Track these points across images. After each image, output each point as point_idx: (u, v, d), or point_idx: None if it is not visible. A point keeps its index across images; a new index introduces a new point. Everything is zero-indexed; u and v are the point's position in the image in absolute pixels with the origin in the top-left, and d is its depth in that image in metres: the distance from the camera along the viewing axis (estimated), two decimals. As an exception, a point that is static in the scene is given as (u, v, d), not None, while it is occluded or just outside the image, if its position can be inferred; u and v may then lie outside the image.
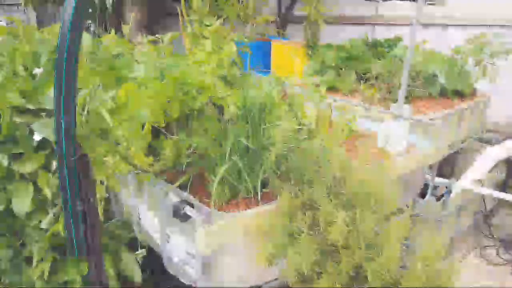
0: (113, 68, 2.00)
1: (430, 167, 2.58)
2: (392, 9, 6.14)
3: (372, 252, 1.38)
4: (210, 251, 1.53)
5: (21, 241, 2.37)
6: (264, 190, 1.71)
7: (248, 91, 1.73)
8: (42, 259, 2.30)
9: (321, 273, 1.44)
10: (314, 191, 1.53)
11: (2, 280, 2.39)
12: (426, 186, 2.95)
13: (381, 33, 5.63)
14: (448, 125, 3.14)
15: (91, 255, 1.46)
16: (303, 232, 1.45)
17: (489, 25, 4.80)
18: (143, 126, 1.74)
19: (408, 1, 6.58)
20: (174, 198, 1.63)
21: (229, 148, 1.61)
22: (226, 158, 1.61)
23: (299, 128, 1.77)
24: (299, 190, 1.56)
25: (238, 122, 1.69)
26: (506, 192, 3.26)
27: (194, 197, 1.64)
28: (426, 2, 6.38)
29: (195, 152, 1.74)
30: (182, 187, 1.71)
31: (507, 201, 3.42)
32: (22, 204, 2.12)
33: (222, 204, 1.69)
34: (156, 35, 2.20)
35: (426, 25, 5.50)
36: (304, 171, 1.59)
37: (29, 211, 2.14)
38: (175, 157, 1.71)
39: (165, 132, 1.77)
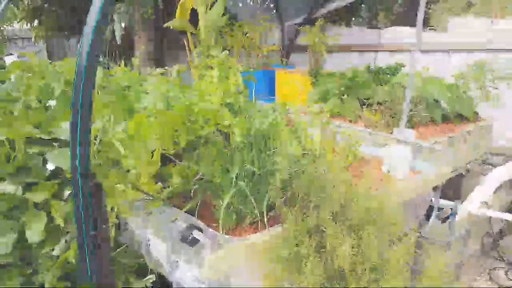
0: (124, 100, 2.09)
1: (434, 189, 2.61)
2: (393, 36, 6.30)
3: (378, 275, 1.41)
4: (218, 275, 1.56)
5: (32, 270, 2.41)
6: (270, 214, 1.76)
7: (253, 118, 1.80)
8: (52, 288, 2.33)
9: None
10: (320, 215, 1.57)
11: (12, 310, 2.41)
12: (431, 208, 2.96)
13: (385, 60, 5.76)
14: (451, 149, 3.19)
15: (104, 281, 1.50)
16: (309, 256, 1.48)
17: (489, 50, 4.91)
18: (152, 154, 1.81)
19: (409, 28, 6.75)
20: (182, 224, 1.67)
21: (235, 174, 1.67)
22: (233, 183, 1.66)
23: (304, 153, 1.82)
24: (304, 214, 1.60)
25: (244, 149, 1.75)
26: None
27: (201, 222, 1.68)
28: (428, 28, 6.52)
29: (202, 179, 1.79)
30: (190, 213, 1.75)
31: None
32: (35, 232, 2.17)
33: (229, 229, 1.73)
34: (165, 67, 2.30)
35: (428, 51, 5.63)
36: (309, 196, 1.63)
37: (41, 239, 2.19)
38: (182, 184, 1.77)
39: (174, 160, 1.84)
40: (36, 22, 8.17)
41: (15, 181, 2.21)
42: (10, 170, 2.19)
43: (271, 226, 1.70)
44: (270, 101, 3.17)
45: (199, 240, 1.62)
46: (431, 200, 2.57)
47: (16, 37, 10.54)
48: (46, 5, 7.68)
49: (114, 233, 2.17)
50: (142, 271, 2.45)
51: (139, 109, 1.99)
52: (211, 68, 2.57)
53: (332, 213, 1.55)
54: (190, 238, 1.61)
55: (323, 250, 1.53)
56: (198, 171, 1.79)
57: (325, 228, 1.53)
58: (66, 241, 2.19)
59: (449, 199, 3.23)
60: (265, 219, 1.65)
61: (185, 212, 1.76)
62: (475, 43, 5.10)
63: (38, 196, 2.22)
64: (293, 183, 1.66)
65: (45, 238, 2.24)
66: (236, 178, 1.72)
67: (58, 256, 2.24)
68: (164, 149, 1.75)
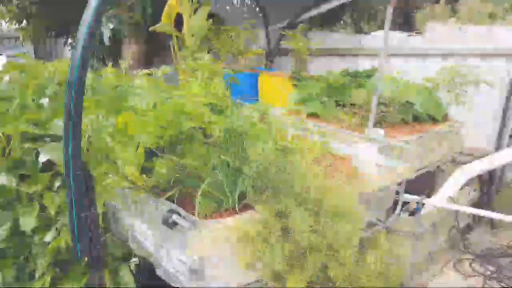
0: (113, 99, 2.28)
1: (399, 184, 2.84)
2: (374, 41, 6.55)
3: (333, 251, 1.62)
4: (196, 255, 1.76)
5: (25, 257, 2.58)
6: (244, 202, 1.96)
7: (231, 117, 2.00)
8: (43, 274, 2.50)
9: (291, 271, 1.67)
10: (286, 201, 1.78)
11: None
12: (397, 202, 3.20)
13: (365, 64, 6.02)
14: (419, 147, 3.43)
15: (93, 258, 1.68)
16: (274, 235, 1.69)
17: (464, 55, 5.20)
18: (137, 148, 2.00)
19: (395, 32, 7.02)
20: (163, 209, 1.87)
21: (212, 166, 1.87)
22: (210, 174, 1.86)
23: (276, 148, 2.03)
24: (273, 199, 1.81)
25: (222, 144, 1.96)
26: (481, 209, 3.52)
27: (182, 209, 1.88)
28: (415, 32, 6.77)
29: (184, 170, 1.99)
30: (171, 200, 1.95)
31: (484, 218, 3.67)
32: (28, 221, 2.34)
33: (206, 215, 1.93)
34: (150, 69, 2.49)
35: (408, 55, 5.91)
36: (277, 185, 1.84)
37: (34, 227, 2.36)
38: (165, 175, 1.96)
39: (159, 154, 2.03)
40: (24, 23, 8.27)
41: (10, 174, 2.38)
42: (6, 164, 2.35)
43: (244, 212, 1.90)
44: (253, 102, 3.38)
45: (178, 223, 1.82)
46: (397, 194, 2.79)
47: (3, 37, 10.61)
48: (34, 6, 7.79)
49: (101, 221, 2.36)
50: (129, 256, 2.64)
51: (127, 108, 2.18)
52: (196, 70, 2.78)
53: (297, 199, 1.76)
54: (170, 221, 1.81)
55: (287, 231, 1.74)
56: (180, 163, 1.99)
57: (289, 212, 1.74)
58: (56, 229, 2.36)
59: (421, 195, 3.47)
60: (236, 206, 1.85)
61: (167, 199, 1.96)
62: (448, 49, 5.37)
63: (31, 188, 2.39)
64: (263, 174, 1.86)
65: (38, 227, 2.41)
66: (214, 169, 1.92)
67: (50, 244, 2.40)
68: (151, 144, 1.94)
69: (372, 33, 6.92)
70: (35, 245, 2.47)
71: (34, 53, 10.31)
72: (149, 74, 2.50)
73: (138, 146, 1.98)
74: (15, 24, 8.42)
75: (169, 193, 1.94)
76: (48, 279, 2.48)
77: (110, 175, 1.77)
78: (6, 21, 8.42)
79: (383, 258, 1.72)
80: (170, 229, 1.81)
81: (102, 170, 1.73)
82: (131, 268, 2.36)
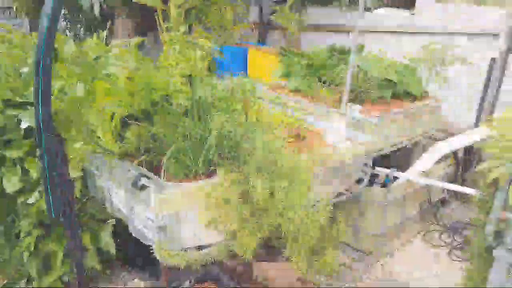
0: (89, 69, 2.39)
1: (368, 158, 2.96)
2: (365, 18, 6.57)
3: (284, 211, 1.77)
4: (162, 214, 1.90)
5: (10, 218, 2.73)
6: (212, 168, 2.09)
7: (198, 88, 2.12)
8: (29, 233, 2.66)
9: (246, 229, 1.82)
10: (247, 167, 1.92)
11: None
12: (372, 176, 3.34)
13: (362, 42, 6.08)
14: (394, 123, 3.55)
15: (66, 216, 1.83)
16: (234, 197, 1.84)
17: (446, 34, 5.25)
18: (113, 117, 2.12)
19: (383, 10, 7.03)
20: (134, 173, 2.01)
21: (179, 134, 2.00)
22: (177, 142, 1.99)
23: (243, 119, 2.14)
24: (234, 165, 1.94)
25: (189, 114, 2.08)
26: (455, 184, 3.67)
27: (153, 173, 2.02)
28: (411, 12, 6.78)
29: (154, 138, 2.12)
30: (142, 165, 2.09)
31: (458, 193, 3.83)
32: (11, 183, 2.48)
33: (176, 180, 2.07)
34: (125, 40, 2.58)
35: (402, 33, 5.97)
36: (240, 152, 1.98)
37: (17, 190, 2.51)
38: (137, 142, 2.09)
39: (130, 122, 2.15)
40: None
41: (-6, 139, 2.50)
42: (-11, 129, 2.47)
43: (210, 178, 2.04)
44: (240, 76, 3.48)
45: (147, 186, 1.96)
46: (364, 166, 2.93)
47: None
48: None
49: (80, 184, 2.51)
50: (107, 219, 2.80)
51: (102, 77, 2.29)
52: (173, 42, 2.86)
53: (256, 165, 1.89)
54: (139, 184, 1.95)
55: (246, 195, 1.88)
56: (151, 132, 2.12)
57: (249, 177, 1.87)
58: (39, 192, 2.50)
59: (402, 170, 3.62)
60: (201, 172, 1.98)
61: (138, 164, 2.09)
62: (435, 27, 5.43)
63: (14, 153, 2.52)
64: (226, 142, 1.99)
65: (22, 189, 2.55)
66: (181, 137, 2.05)
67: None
68: (121, 113, 2.06)
69: (374, 10, 6.89)
70: (19, 207, 2.63)
71: (30, 26, 10.29)
72: (124, 45, 2.59)
73: (113, 114, 2.10)
74: (9, -4, 8.40)
75: (139, 159, 2.07)
76: (33, 239, 2.65)
77: (81, 140, 1.90)
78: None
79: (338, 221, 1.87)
80: (139, 191, 1.95)
81: (73, 135, 1.86)
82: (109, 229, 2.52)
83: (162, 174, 1.92)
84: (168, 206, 1.91)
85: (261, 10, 7.53)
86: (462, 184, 4.06)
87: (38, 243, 2.68)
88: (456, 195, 4.37)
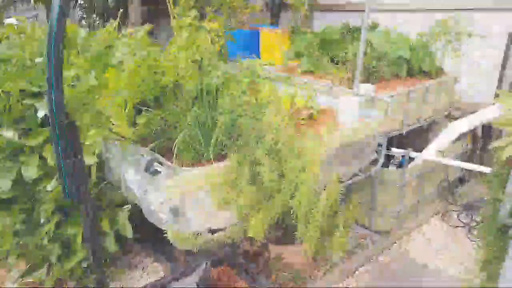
0: (101, 57, 2.42)
1: (382, 136, 2.93)
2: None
3: (295, 193, 1.78)
4: (174, 199, 1.94)
5: (31, 205, 2.82)
6: (223, 153, 2.12)
7: (207, 72, 2.12)
8: (48, 220, 2.75)
9: (259, 210, 1.84)
10: (256, 150, 1.93)
11: (17, 240, 2.84)
12: (388, 157, 3.31)
13: (378, 20, 5.94)
14: (408, 102, 3.49)
15: (82, 203, 1.88)
16: (245, 180, 1.85)
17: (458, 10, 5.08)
18: (126, 103, 2.16)
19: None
20: (147, 158, 2.04)
21: (189, 119, 2.01)
22: (187, 126, 2.01)
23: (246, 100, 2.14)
24: (245, 149, 1.96)
25: (198, 98, 2.09)
26: (472, 163, 3.60)
27: (165, 158, 2.05)
28: None
29: (165, 124, 2.14)
30: (154, 150, 2.12)
31: (474, 171, 3.77)
32: (30, 171, 2.56)
33: (188, 164, 2.10)
34: (136, 28, 2.60)
35: (411, 11, 5.80)
36: (249, 135, 1.99)
37: (36, 177, 2.58)
38: (149, 128, 2.12)
39: (142, 108, 2.18)
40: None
41: (11, 128, 2.57)
42: (7, 119, 2.54)
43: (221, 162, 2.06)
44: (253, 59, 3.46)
45: (159, 172, 1.99)
46: (379, 146, 2.90)
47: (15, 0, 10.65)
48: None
49: (97, 170, 2.56)
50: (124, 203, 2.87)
51: (114, 65, 2.32)
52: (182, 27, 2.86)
53: (266, 148, 1.90)
54: (152, 169, 1.99)
55: (255, 177, 1.90)
56: (162, 117, 2.14)
57: (259, 160, 1.89)
58: (57, 179, 2.57)
59: (419, 150, 3.58)
60: (211, 156, 2.00)
61: (151, 150, 2.13)
62: (446, 3, 5.25)
63: (32, 141, 2.59)
64: (235, 125, 2.00)
65: (39, 177, 2.63)
66: (192, 122, 2.07)
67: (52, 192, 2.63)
68: (132, 99, 2.09)
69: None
70: (39, 193, 2.71)
71: (47, 16, 10.40)
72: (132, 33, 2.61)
73: (126, 101, 2.13)
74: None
75: (152, 144, 2.10)
76: (52, 225, 2.74)
77: (95, 127, 1.94)
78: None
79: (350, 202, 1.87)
80: (151, 176, 1.99)
81: (87, 121, 1.90)
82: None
83: (173, 158, 1.95)
84: (180, 190, 1.94)
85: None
86: (479, 163, 3.99)
87: (57, 228, 2.77)
88: (473, 173, 4.30)
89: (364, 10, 2.94)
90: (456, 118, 4.14)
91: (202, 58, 2.56)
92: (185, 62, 2.32)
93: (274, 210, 1.79)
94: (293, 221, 1.83)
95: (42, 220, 2.71)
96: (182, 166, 2.00)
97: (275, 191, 1.84)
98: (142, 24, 6.95)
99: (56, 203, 2.66)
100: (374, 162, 2.95)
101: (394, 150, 3.21)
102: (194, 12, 2.99)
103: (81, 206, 1.96)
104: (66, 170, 1.73)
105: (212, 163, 2.03)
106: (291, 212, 1.82)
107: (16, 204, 2.77)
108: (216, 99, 2.11)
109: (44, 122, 2.62)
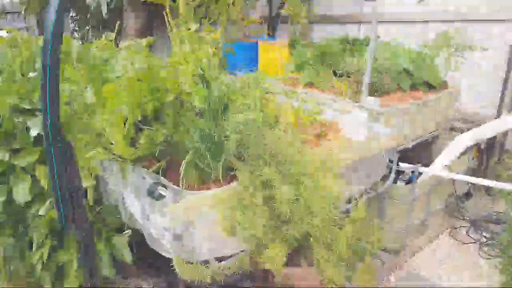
0: (98, 71, 2.27)
1: (391, 153, 2.82)
2: (380, 7, 6.35)
3: (313, 219, 1.64)
4: (179, 225, 1.79)
5: (22, 229, 2.64)
6: (231, 173, 1.97)
7: (215, 87, 1.99)
8: (41, 245, 2.57)
9: (273, 238, 1.70)
10: (268, 170, 1.79)
11: (6, 267, 2.65)
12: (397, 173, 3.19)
13: (367, 31, 5.87)
14: (416, 115, 3.39)
15: (79, 229, 1.72)
16: (258, 204, 1.71)
17: (459, 21, 5.05)
18: (125, 120, 2.01)
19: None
20: (150, 181, 1.89)
21: (195, 137, 1.87)
22: (192, 145, 1.87)
23: (256, 118, 2.01)
24: (255, 169, 1.81)
25: (204, 114, 1.95)
26: (478, 177, 3.50)
27: (168, 180, 1.90)
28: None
29: (168, 142, 2.00)
30: (158, 172, 1.97)
31: (482, 185, 3.66)
32: (21, 194, 2.39)
33: (194, 186, 1.95)
34: (134, 40, 2.46)
35: (408, 21, 5.75)
36: (261, 154, 1.85)
37: (28, 200, 2.41)
38: (149, 146, 1.97)
39: (144, 126, 2.04)
40: (24, -4, 8.16)
41: (2, 147, 2.41)
42: (-3, 138, 2.37)
43: (230, 182, 1.92)
44: (252, 72, 3.34)
45: (164, 196, 1.84)
46: (389, 162, 2.78)
47: (5, 12, 10.49)
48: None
49: (94, 194, 2.40)
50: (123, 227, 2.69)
51: (112, 79, 2.18)
52: (183, 40, 2.74)
53: (278, 167, 1.77)
54: (156, 193, 1.84)
55: (271, 200, 1.76)
56: (164, 135, 1.99)
57: (272, 181, 1.74)
58: (50, 202, 2.40)
59: (422, 164, 3.46)
60: (220, 176, 1.86)
61: (154, 172, 1.98)
62: (447, 14, 5.22)
63: (24, 161, 2.42)
64: (247, 144, 1.87)
65: (32, 200, 2.46)
66: (198, 140, 1.93)
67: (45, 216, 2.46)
68: (132, 116, 1.94)
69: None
70: (30, 217, 2.53)
71: (38, 27, 10.21)
72: (131, 46, 2.47)
73: (126, 119, 1.98)
74: (17, -1, 8.32)
75: (155, 166, 1.95)
76: (46, 250, 2.56)
77: (93, 148, 1.79)
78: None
79: (366, 225, 1.74)
80: (156, 200, 1.84)
81: (84, 142, 1.75)
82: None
83: (180, 181, 1.80)
84: (186, 215, 1.79)
85: (270, 4, 7.35)
86: (484, 177, 3.89)
87: (51, 254, 2.59)
88: (479, 187, 4.20)
89: (360, 22, 2.85)
90: (459, 131, 4.05)
91: (204, 71, 2.44)
92: (189, 75, 2.19)
93: (293, 237, 1.65)
94: (308, 243, 1.68)
95: (34, 246, 2.54)
96: (188, 189, 1.85)
97: (292, 214, 1.69)
98: (136, 35, 6.83)
99: (49, 227, 2.48)
100: (383, 178, 2.83)
101: (403, 165, 3.10)
102: (195, 24, 2.87)
103: (77, 231, 1.79)
104: (62, 198, 1.57)
105: (220, 185, 1.89)
106: (308, 235, 1.68)
107: (5, 228, 2.60)
108: (223, 115, 1.97)
109: (36, 140, 2.45)
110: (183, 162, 1.83)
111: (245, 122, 1.84)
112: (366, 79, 2.91)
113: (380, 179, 2.77)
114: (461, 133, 3.89)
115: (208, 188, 1.96)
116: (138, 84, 1.89)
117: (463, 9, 5.05)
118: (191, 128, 1.89)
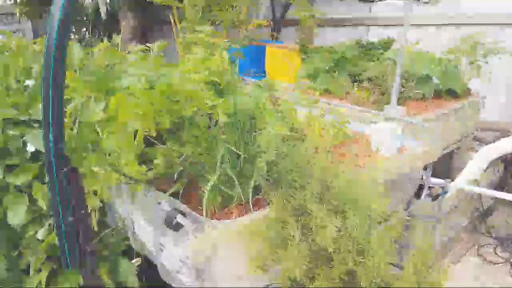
0: (103, 80, 2.01)
1: (425, 168, 2.59)
2: (385, 9, 6.17)
3: (363, 256, 1.39)
4: (202, 259, 1.54)
5: (18, 252, 2.38)
6: (257, 196, 1.72)
7: (237, 98, 1.74)
8: (39, 270, 2.31)
9: (313, 277, 1.45)
10: (305, 196, 1.54)
11: (0, 292, 2.39)
12: (421, 186, 2.96)
13: (376, 34, 5.66)
14: (442, 125, 3.16)
15: (85, 267, 1.47)
16: (294, 237, 1.46)
17: (482, 24, 4.84)
18: (135, 136, 1.75)
19: (401, 1, 6.61)
20: (166, 207, 1.64)
21: (219, 156, 1.62)
22: (217, 166, 1.61)
23: (290, 134, 1.78)
24: (290, 195, 1.56)
25: (229, 130, 1.70)
26: (503, 191, 3.28)
27: (187, 205, 1.64)
28: (422, 1, 6.42)
29: (187, 161, 1.75)
30: (175, 195, 1.72)
31: (506, 200, 3.44)
32: (17, 216, 2.13)
33: (215, 211, 1.70)
34: (146, 44, 2.22)
35: (420, 25, 5.54)
36: (294, 177, 1.60)
37: (24, 223, 2.15)
38: (166, 166, 1.72)
39: (156, 142, 1.78)
40: (20, -3, 7.89)
41: (-5, 164, 2.15)
42: (-11, 153, 2.12)
43: (257, 209, 1.67)
44: (260, 78, 3.10)
45: (183, 225, 1.59)
46: (422, 178, 2.55)
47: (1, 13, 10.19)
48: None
49: (99, 215, 2.14)
50: (130, 252, 2.44)
51: (119, 89, 1.92)
52: (195, 44, 2.49)
53: (317, 194, 1.52)
54: (173, 222, 1.58)
55: (309, 233, 1.51)
56: (182, 153, 1.74)
57: (310, 210, 1.50)
58: (49, 225, 2.15)
59: (440, 177, 3.23)
60: (250, 202, 1.61)
61: (170, 194, 1.72)
62: (462, 17, 5.01)
63: (19, 179, 2.16)
64: (278, 165, 1.62)
65: (28, 221, 2.20)
66: (221, 160, 1.68)
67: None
68: (147, 131, 1.69)
69: (381, 1, 6.49)
70: (27, 239, 2.28)
71: (33, 31, 9.92)
72: (143, 51, 2.22)
73: (135, 134, 1.73)
74: (10, 0, 8.07)
75: (173, 188, 1.70)
76: (44, 276, 2.31)
77: (102, 171, 1.53)
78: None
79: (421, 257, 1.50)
80: (174, 231, 1.58)
81: (91, 164, 1.49)
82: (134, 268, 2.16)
83: (204, 209, 1.54)
84: (210, 248, 1.54)
85: (273, 6, 7.14)
86: (509, 191, 3.67)
87: (49, 280, 2.34)
88: (503, 202, 3.97)
89: (368, 25, 2.62)
90: (483, 141, 3.84)
91: (220, 80, 2.20)
92: (204, 84, 1.94)
93: (337, 276, 1.40)
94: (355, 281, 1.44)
95: (31, 272, 2.28)
96: (213, 218, 1.60)
97: (334, 248, 1.45)
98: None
99: (48, 253, 2.23)
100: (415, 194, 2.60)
101: (435, 180, 2.86)
102: (207, 27, 2.62)
103: (83, 269, 1.54)
104: (67, 233, 1.32)
105: (244, 210, 1.64)
106: (355, 274, 1.43)
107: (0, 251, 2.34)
108: (251, 132, 1.72)
109: (34, 156, 2.20)
110: (207, 185, 1.57)
111: (277, 140, 1.59)
112: (395, 87, 2.67)
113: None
114: (486, 144, 3.67)
115: (231, 213, 1.71)
116: (154, 96, 1.64)
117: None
118: (215, 147, 1.64)
